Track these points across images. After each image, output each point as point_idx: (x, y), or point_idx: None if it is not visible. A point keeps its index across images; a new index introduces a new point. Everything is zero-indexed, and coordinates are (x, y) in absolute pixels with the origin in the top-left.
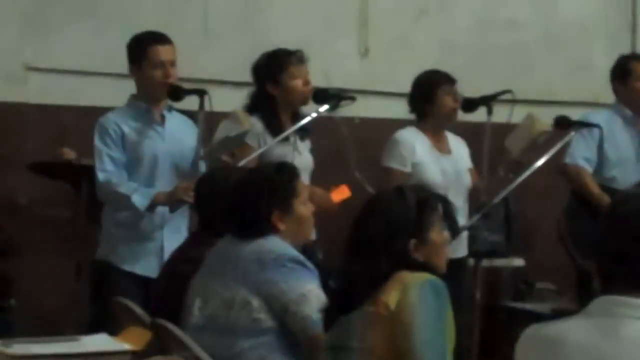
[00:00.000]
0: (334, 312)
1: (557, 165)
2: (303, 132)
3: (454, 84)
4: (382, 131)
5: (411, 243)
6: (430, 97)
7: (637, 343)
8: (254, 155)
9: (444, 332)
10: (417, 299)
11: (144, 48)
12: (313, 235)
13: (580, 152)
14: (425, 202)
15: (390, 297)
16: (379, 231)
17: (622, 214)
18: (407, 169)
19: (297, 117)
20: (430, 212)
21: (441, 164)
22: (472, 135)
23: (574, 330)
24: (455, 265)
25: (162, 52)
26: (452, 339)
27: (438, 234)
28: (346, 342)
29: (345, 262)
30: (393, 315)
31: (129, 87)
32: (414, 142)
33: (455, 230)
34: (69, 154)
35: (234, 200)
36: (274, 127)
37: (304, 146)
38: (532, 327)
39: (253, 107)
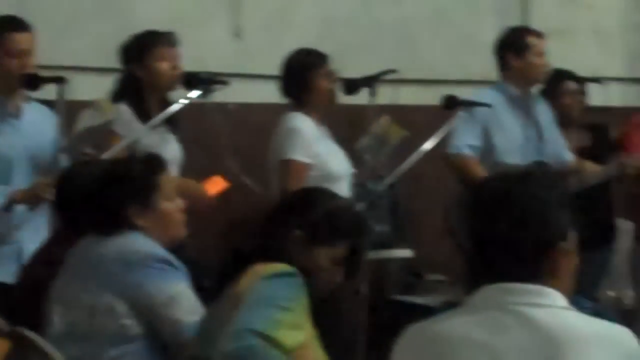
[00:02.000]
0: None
1: (442, 155)
2: (172, 122)
3: (327, 62)
4: (260, 117)
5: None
6: (304, 81)
7: (523, 331)
8: (120, 146)
9: (283, 320)
10: (262, 284)
11: None
12: (183, 233)
13: (465, 140)
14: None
15: (243, 281)
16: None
17: (484, 198)
18: (310, 160)
19: (166, 104)
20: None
21: (333, 151)
22: (355, 118)
23: (460, 326)
24: None
25: (20, 40)
26: (310, 335)
27: (327, 251)
28: (205, 351)
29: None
30: (236, 298)
31: None
32: (315, 131)
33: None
34: None
35: (91, 195)
36: (142, 114)
37: (173, 137)
38: (413, 326)
39: (120, 93)
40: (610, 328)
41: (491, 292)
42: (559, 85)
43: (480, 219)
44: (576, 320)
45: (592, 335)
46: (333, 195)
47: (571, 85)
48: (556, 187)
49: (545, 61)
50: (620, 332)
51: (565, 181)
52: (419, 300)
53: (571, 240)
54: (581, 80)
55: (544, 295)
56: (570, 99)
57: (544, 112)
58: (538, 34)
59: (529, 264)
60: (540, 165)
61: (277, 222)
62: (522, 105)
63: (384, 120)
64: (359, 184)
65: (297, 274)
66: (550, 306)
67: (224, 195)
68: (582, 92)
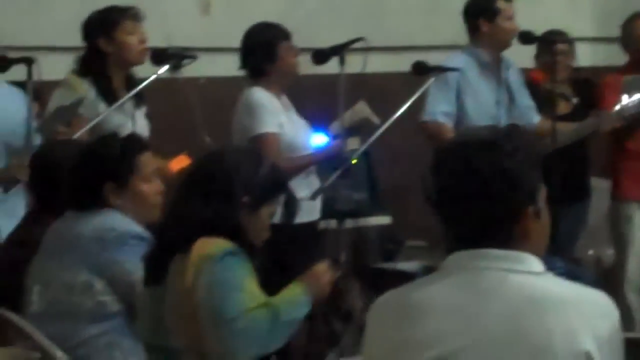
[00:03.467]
0: None
1: (418, 123)
2: (138, 97)
3: (289, 36)
4: (230, 90)
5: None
6: (270, 55)
7: (500, 295)
8: (89, 126)
9: (237, 297)
10: (210, 276)
11: None
12: (157, 216)
13: (438, 107)
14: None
15: (189, 272)
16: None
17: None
18: (280, 131)
19: (131, 81)
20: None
21: (296, 122)
22: (326, 88)
23: (435, 291)
24: (305, 229)
25: None
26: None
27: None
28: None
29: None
30: (189, 293)
31: None
32: (276, 103)
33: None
34: None
35: (68, 173)
36: (106, 91)
37: (140, 113)
38: (387, 293)
39: (84, 70)
40: (588, 292)
41: (465, 257)
42: (549, 46)
43: (445, 186)
44: (553, 285)
45: (570, 298)
46: (249, 152)
47: (560, 45)
48: (522, 148)
49: (515, 25)
50: (597, 296)
51: (535, 141)
52: (399, 266)
53: (541, 200)
54: (570, 41)
55: (519, 260)
56: (559, 58)
57: (514, 76)
58: None
59: (499, 230)
60: (512, 128)
61: (216, 191)
62: (492, 69)
63: (357, 108)
64: None
65: (238, 251)
66: (527, 272)
67: None
68: (570, 53)
